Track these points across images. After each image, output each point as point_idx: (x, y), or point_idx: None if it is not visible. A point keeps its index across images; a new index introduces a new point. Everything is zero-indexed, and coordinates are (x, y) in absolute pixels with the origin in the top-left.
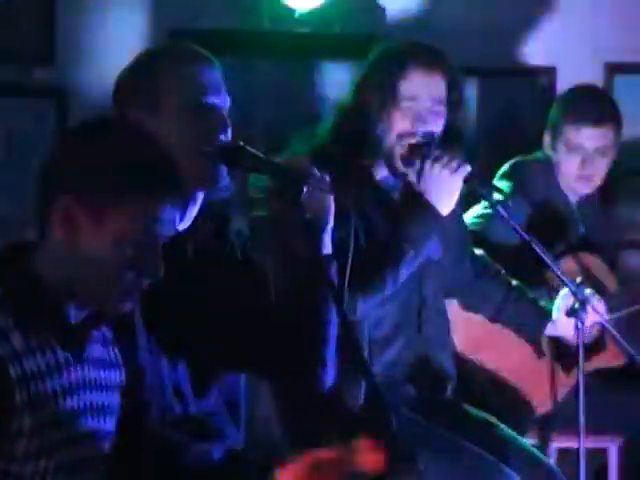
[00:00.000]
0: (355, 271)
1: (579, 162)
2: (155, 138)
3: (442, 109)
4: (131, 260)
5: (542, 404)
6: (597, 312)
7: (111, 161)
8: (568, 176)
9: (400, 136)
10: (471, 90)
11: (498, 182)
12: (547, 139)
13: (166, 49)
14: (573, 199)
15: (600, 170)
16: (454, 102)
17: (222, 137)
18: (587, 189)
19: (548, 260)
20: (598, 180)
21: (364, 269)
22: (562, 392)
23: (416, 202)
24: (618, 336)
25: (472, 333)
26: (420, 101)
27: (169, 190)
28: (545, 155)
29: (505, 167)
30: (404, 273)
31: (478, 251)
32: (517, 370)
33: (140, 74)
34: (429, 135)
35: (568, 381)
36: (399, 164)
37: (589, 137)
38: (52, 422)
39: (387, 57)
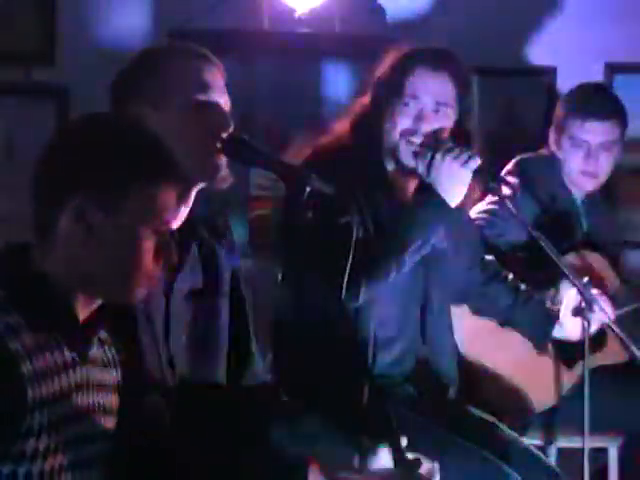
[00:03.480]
0: (360, 257)
1: (583, 157)
2: (149, 128)
3: (446, 110)
4: (146, 247)
5: (543, 402)
6: (605, 312)
7: (110, 153)
8: (572, 172)
9: (402, 134)
10: None
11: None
12: (552, 136)
13: (167, 48)
14: (578, 196)
15: (604, 166)
16: (463, 104)
17: (224, 134)
18: (591, 185)
19: (556, 257)
20: (603, 176)
21: (369, 255)
22: (564, 387)
23: (424, 192)
24: (623, 335)
25: (472, 331)
26: (422, 100)
27: (172, 176)
28: (550, 152)
29: (510, 164)
30: (409, 261)
31: (488, 257)
32: (517, 367)
33: (142, 72)
34: (432, 134)
35: (570, 376)
36: (406, 159)
37: (593, 132)
38: (59, 422)
39: (398, 57)
